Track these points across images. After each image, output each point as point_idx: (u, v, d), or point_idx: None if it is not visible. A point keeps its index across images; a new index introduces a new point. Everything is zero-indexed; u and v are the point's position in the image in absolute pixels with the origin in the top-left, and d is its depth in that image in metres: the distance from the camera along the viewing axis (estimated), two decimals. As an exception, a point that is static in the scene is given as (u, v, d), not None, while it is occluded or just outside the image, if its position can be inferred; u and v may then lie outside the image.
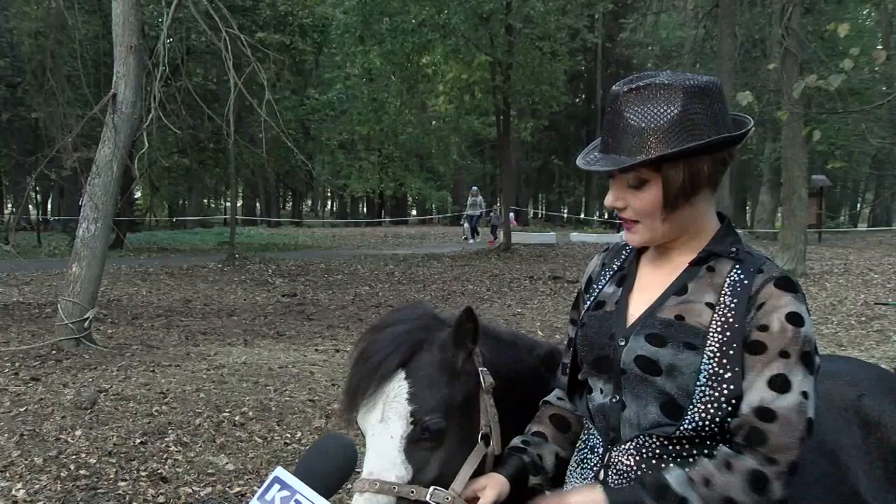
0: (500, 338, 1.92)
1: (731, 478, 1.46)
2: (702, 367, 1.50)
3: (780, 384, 1.47)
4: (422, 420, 1.63)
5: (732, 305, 1.52)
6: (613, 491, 1.54)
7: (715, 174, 1.58)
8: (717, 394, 1.49)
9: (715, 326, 1.51)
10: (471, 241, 27.07)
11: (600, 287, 1.75)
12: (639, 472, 1.55)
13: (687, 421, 1.51)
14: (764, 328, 1.49)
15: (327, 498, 1.63)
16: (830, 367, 2.19)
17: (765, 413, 1.47)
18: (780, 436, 1.46)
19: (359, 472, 1.67)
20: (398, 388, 1.66)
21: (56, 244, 22.08)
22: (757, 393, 1.47)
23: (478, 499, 1.66)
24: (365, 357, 1.72)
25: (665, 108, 1.51)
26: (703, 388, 1.50)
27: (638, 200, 1.57)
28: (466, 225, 28.87)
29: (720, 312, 1.52)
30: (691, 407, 1.51)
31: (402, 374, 1.68)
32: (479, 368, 1.74)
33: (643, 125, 1.51)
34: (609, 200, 1.61)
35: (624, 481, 1.56)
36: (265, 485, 1.64)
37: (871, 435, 1.97)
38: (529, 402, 1.85)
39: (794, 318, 1.49)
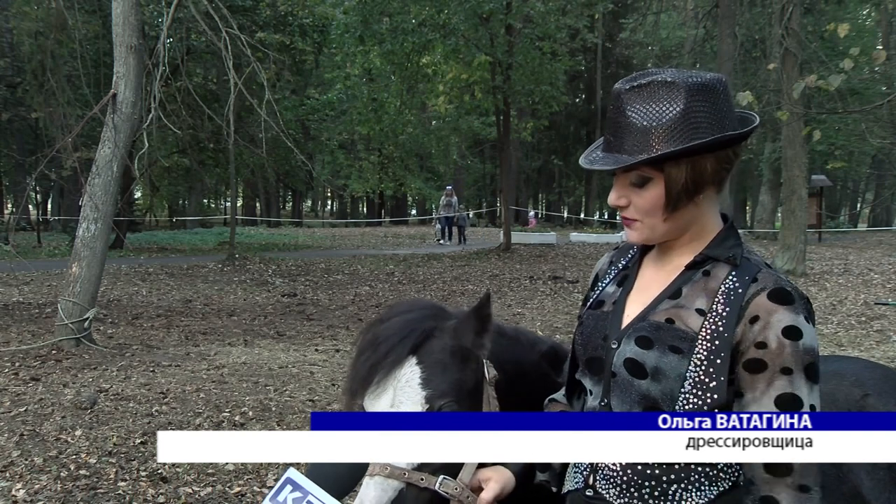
0: (503, 333, 1.93)
1: None
2: (687, 374, 1.47)
3: (788, 402, 1.42)
4: (435, 405, 1.63)
5: (724, 314, 1.48)
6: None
7: (719, 173, 1.54)
8: (701, 402, 1.46)
9: (704, 334, 1.48)
10: (444, 242, 26.32)
11: (603, 286, 1.75)
12: (624, 478, 1.53)
13: None
14: (762, 345, 1.45)
15: (339, 499, 1.63)
16: (835, 367, 2.19)
17: None
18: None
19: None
20: (410, 374, 1.67)
21: (56, 244, 22.06)
22: None
23: (482, 489, 1.66)
24: (373, 344, 1.72)
25: (667, 105, 1.48)
26: (687, 395, 1.47)
27: (640, 199, 1.54)
28: (439, 226, 27.94)
29: (711, 320, 1.49)
30: None
31: (413, 360, 1.68)
32: (484, 359, 1.74)
33: (645, 123, 1.48)
34: (612, 199, 1.58)
35: (610, 486, 1.54)
36: (277, 486, 1.64)
37: (876, 435, 1.96)
38: (532, 397, 1.85)
39: (791, 332, 1.44)
